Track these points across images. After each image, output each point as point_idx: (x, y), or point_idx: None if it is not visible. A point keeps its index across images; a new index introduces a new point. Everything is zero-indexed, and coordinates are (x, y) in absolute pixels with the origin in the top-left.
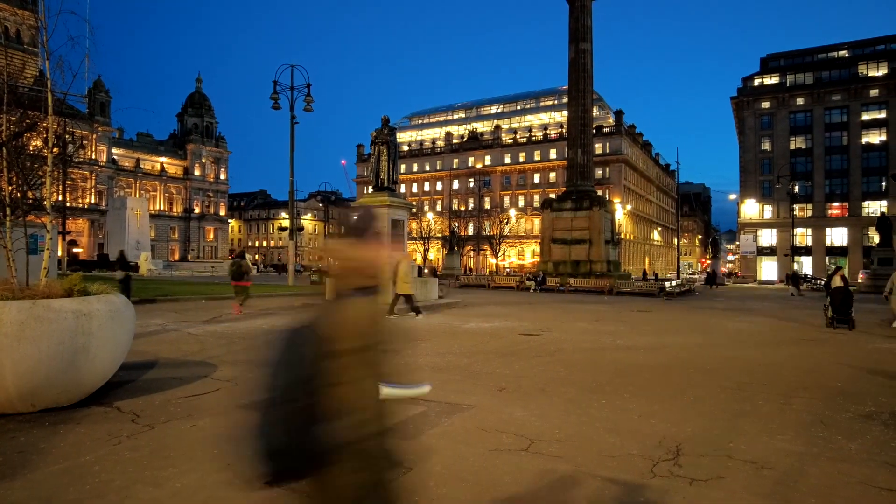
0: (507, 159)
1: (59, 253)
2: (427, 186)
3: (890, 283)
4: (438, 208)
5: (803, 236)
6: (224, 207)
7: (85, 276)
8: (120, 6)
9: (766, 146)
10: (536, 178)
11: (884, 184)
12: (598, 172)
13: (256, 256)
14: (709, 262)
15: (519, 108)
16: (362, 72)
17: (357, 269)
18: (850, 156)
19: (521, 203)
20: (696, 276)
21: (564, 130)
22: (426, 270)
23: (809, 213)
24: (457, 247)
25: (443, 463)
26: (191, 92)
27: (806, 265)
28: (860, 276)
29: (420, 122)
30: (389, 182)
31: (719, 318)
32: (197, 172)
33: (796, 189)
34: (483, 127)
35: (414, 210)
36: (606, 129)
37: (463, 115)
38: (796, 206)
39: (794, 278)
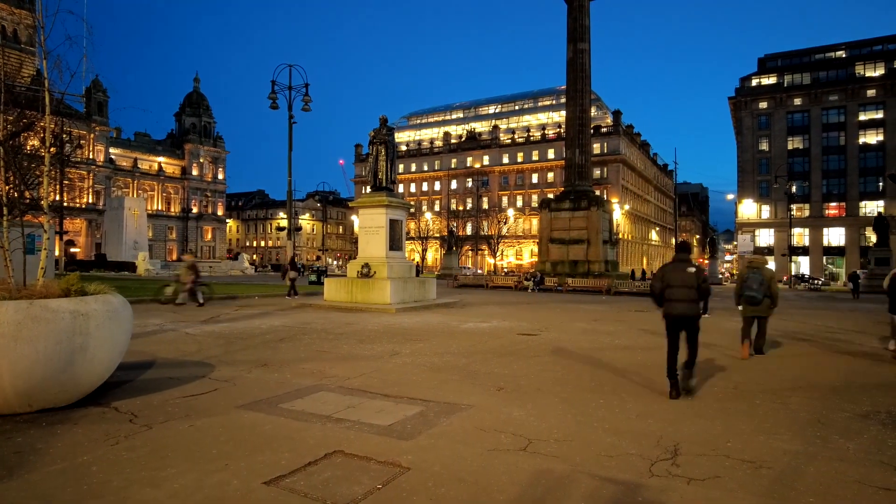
0: (506, 159)
1: (57, 253)
2: (425, 186)
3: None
4: (437, 208)
5: (801, 236)
6: (222, 207)
7: (83, 276)
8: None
9: (764, 146)
10: (534, 178)
11: (881, 184)
12: (596, 172)
13: (255, 256)
14: (707, 261)
15: (517, 108)
16: (360, 72)
17: None
18: (848, 156)
19: (520, 203)
20: None
21: (562, 130)
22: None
23: (807, 213)
24: (455, 247)
25: (441, 463)
26: (189, 92)
27: (803, 265)
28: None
29: (418, 121)
30: (387, 182)
31: (717, 317)
32: (195, 172)
33: (794, 189)
34: (481, 127)
35: (412, 210)
36: (604, 129)
37: (461, 115)
38: (794, 206)
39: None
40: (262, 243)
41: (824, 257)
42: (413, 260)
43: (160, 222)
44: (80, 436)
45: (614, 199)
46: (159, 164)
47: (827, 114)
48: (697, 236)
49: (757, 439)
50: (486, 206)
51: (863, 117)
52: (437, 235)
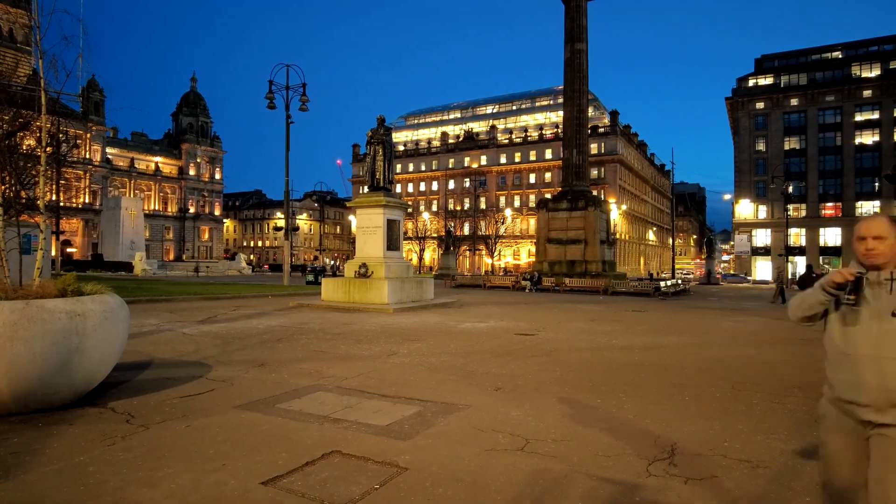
0: (503, 159)
1: (53, 253)
2: (423, 186)
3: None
4: (434, 208)
5: (797, 236)
6: (219, 207)
7: (79, 276)
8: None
9: (761, 146)
10: (532, 178)
11: (877, 184)
12: (594, 172)
13: (252, 256)
14: (704, 261)
15: (515, 108)
16: (358, 72)
17: None
18: (844, 156)
19: (517, 203)
20: (691, 276)
21: (560, 131)
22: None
23: (803, 213)
24: (453, 247)
25: (439, 463)
26: (186, 91)
27: (800, 265)
28: None
29: (416, 121)
30: (385, 182)
31: (715, 317)
32: (192, 172)
33: (790, 189)
34: (479, 127)
35: (410, 210)
36: (602, 130)
37: (459, 115)
38: (790, 207)
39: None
40: (260, 243)
41: (821, 257)
42: (410, 260)
43: (157, 222)
44: (77, 436)
45: (611, 200)
46: (156, 163)
47: (823, 114)
48: (694, 236)
49: (755, 439)
50: (483, 206)
51: (859, 118)
52: (435, 235)
